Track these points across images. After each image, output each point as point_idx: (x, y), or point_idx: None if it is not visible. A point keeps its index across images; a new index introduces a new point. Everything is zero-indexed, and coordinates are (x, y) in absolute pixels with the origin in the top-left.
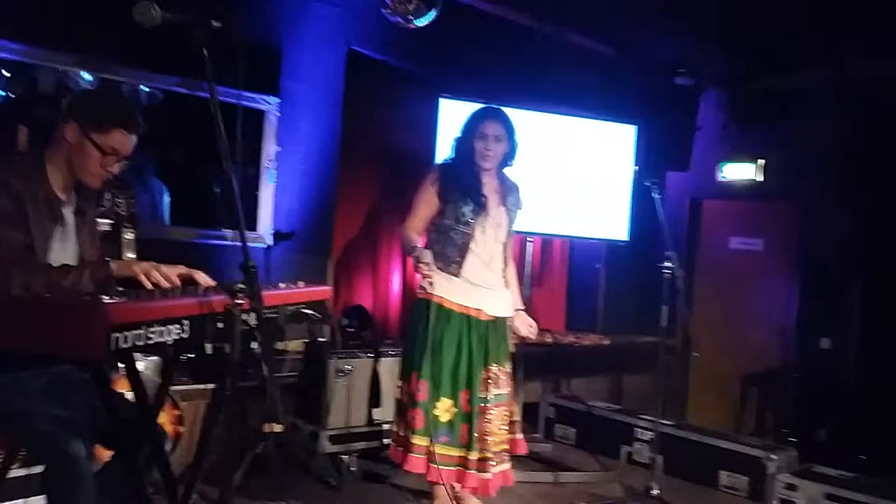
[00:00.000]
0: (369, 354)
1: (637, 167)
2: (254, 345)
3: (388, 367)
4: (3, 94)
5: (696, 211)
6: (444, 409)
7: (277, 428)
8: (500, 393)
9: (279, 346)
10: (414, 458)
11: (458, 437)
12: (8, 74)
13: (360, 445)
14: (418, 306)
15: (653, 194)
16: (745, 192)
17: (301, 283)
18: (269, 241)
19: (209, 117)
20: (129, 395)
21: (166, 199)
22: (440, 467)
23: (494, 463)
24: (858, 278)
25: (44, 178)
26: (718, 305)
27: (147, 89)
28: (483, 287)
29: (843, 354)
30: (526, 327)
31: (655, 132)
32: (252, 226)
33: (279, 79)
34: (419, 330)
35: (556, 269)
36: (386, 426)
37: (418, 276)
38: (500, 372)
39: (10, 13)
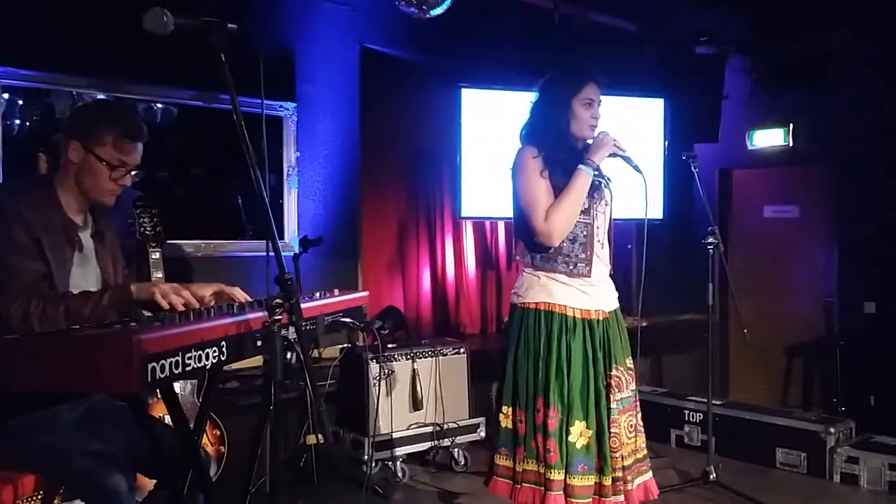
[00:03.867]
0: (407, 356)
1: (667, 141)
2: (290, 357)
3: (427, 368)
4: (19, 122)
5: (726, 182)
6: (578, 433)
7: (319, 439)
8: (623, 397)
9: (314, 354)
10: (553, 496)
11: (594, 462)
12: (21, 102)
13: (405, 450)
14: (528, 318)
15: (692, 168)
16: (776, 158)
17: (336, 291)
18: (297, 248)
19: (226, 129)
20: (168, 420)
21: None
22: (579, 501)
23: (630, 479)
24: None
25: (56, 205)
26: (756, 277)
27: (161, 106)
28: (599, 284)
29: (890, 317)
30: None
31: (682, 105)
32: (278, 234)
33: (294, 83)
34: (536, 346)
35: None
36: (428, 429)
37: (610, 148)
38: (622, 372)
39: (19, 40)
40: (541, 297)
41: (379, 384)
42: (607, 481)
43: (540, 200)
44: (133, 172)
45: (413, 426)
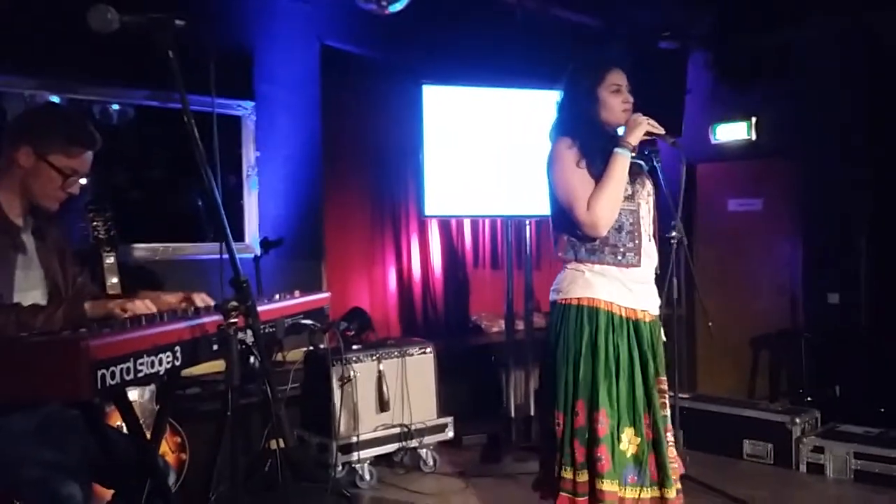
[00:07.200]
0: (373, 357)
1: None
2: (253, 362)
3: (393, 369)
4: None
5: (690, 176)
6: (629, 440)
7: (281, 444)
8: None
9: (278, 357)
10: None
11: (648, 474)
12: None
13: (372, 452)
14: (569, 314)
15: (654, 163)
16: (739, 152)
17: (297, 293)
18: (257, 250)
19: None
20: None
21: None
22: None
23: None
24: (861, 229)
25: None
26: (721, 270)
27: (118, 107)
28: (647, 282)
29: (853, 308)
30: None
31: (645, 99)
32: (238, 236)
33: (252, 82)
34: (577, 344)
35: (553, 251)
36: (395, 430)
37: (645, 127)
38: (664, 383)
39: None
40: (583, 293)
41: (343, 386)
42: (671, 493)
43: (580, 190)
44: (82, 180)
45: (380, 428)
